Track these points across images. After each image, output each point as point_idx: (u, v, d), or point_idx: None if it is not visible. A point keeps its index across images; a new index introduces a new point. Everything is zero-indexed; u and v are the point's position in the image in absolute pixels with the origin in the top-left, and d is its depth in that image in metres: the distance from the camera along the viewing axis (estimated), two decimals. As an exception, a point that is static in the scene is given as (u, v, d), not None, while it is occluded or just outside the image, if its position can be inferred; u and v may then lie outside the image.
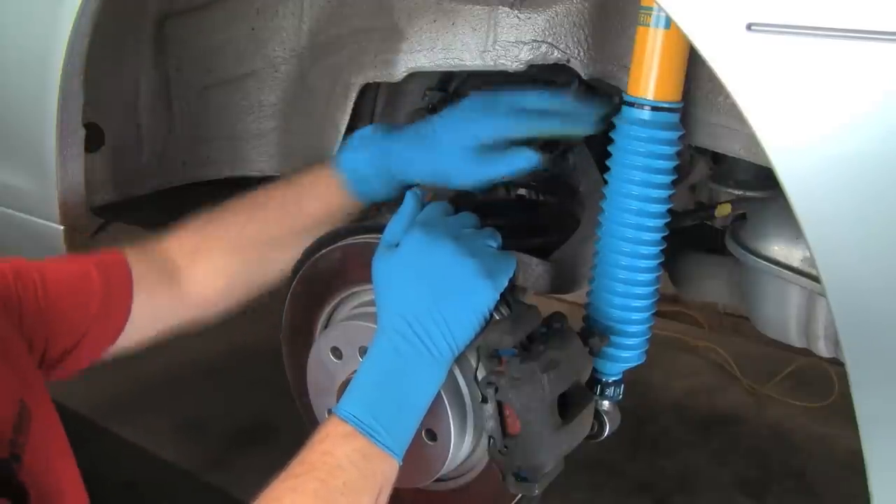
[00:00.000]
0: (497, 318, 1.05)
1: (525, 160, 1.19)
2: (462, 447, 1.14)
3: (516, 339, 1.05)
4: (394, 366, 1.02)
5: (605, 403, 1.22)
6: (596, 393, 1.21)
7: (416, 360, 1.02)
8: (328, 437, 0.98)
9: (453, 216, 1.12)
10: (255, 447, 2.39)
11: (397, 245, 1.07)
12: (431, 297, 1.02)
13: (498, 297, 1.04)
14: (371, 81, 1.43)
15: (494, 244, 1.08)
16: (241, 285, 1.31)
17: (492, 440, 1.07)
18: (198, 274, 1.27)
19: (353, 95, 1.45)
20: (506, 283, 1.05)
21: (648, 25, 1.06)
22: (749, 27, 0.86)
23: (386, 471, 1.00)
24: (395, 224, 1.10)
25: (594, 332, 1.17)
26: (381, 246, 1.09)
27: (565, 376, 1.06)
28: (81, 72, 1.36)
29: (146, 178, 1.67)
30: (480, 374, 1.07)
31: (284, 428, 2.40)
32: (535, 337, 1.08)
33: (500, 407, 1.05)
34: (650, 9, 1.05)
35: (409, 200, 1.12)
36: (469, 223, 1.11)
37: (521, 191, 1.49)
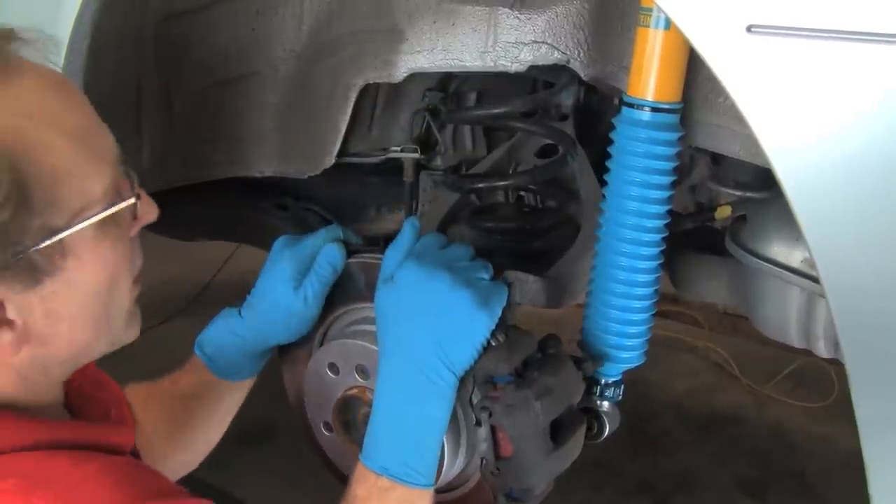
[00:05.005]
0: (493, 344, 1.06)
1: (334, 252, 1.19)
2: (455, 464, 1.15)
3: (511, 367, 1.06)
4: (406, 407, 1.04)
5: (605, 404, 1.22)
6: (596, 394, 1.22)
7: (426, 397, 1.04)
8: (371, 495, 1.03)
9: (447, 248, 1.12)
10: (255, 447, 2.39)
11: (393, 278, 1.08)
12: (431, 331, 1.03)
13: (494, 326, 1.05)
14: (371, 82, 1.43)
15: (487, 276, 1.09)
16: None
17: (484, 461, 1.09)
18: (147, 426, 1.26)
19: (354, 96, 1.45)
20: (500, 312, 1.06)
21: (648, 26, 1.06)
22: (748, 29, 0.87)
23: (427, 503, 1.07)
24: (392, 256, 1.10)
25: (587, 356, 1.19)
26: (381, 279, 1.09)
27: (558, 402, 1.09)
28: (81, 72, 1.36)
29: (146, 179, 1.65)
30: (475, 399, 1.08)
31: (284, 428, 2.39)
32: (530, 362, 1.09)
33: (493, 430, 1.06)
34: (650, 10, 1.05)
35: (407, 231, 1.12)
36: (463, 255, 1.11)
37: (521, 193, 1.49)
